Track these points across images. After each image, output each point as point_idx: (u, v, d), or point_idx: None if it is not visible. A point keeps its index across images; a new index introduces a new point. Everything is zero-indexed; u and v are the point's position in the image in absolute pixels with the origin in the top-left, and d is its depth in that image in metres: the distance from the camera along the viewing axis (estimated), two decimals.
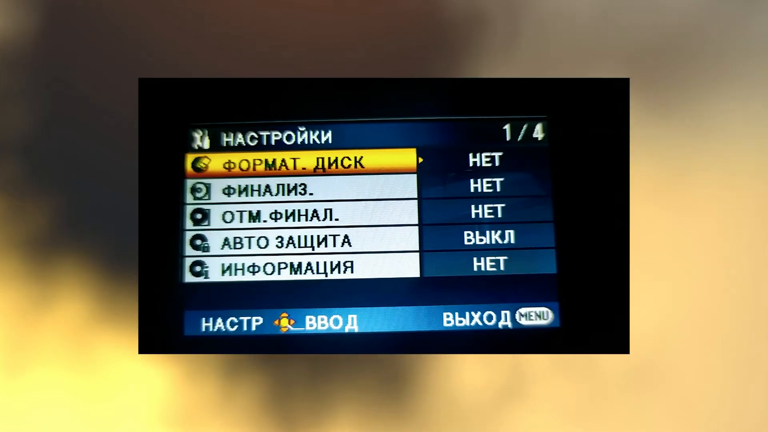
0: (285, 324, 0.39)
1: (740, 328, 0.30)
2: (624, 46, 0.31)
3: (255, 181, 0.40)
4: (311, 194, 0.40)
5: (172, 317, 0.38)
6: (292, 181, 0.40)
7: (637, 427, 0.30)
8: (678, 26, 0.31)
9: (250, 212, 0.40)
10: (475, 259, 0.39)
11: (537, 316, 0.39)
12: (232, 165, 0.40)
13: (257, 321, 0.39)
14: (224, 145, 0.41)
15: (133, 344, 0.31)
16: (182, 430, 0.30)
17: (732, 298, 0.30)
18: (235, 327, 0.39)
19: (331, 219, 0.40)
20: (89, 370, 0.30)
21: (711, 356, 0.30)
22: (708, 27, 0.31)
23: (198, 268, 0.39)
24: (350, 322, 0.39)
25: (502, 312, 0.39)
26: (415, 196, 0.40)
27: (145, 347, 0.35)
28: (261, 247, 0.40)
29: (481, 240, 0.40)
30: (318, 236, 0.40)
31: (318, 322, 0.39)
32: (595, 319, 0.38)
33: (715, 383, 0.30)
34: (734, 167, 0.30)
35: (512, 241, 0.40)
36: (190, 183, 0.40)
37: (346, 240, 0.40)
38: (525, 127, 0.41)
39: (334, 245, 0.39)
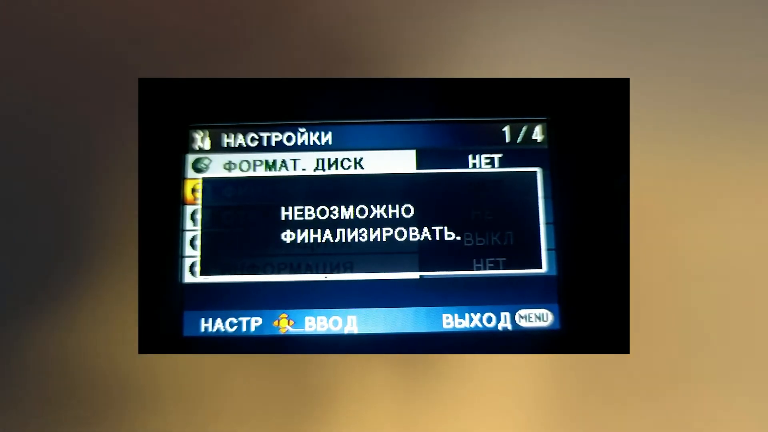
0: (284, 325, 0.39)
1: (741, 328, 0.30)
2: (624, 46, 0.31)
3: (255, 182, 0.40)
4: (311, 195, 0.40)
5: (171, 317, 0.38)
6: (292, 181, 0.40)
7: (637, 427, 0.30)
8: (678, 25, 0.31)
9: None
10: (474, 260, 0.39)
11: (537, 318, 0.39)
12: (232, 166, 0.40)
13: (256, 322, 0.39)
14: (225, 146, 0.41)
15: (133, 344, 0.30)
16: (181, 430, 0.30)
17: (732, 297, 0.30)
18: (234, 328, 0.39)
19: (330, 219, 0.40)
20: (89, 370, 0.30)
21: (711, 356, 0.30)
22: (708, 26, 0.31)
23: (198, 268, 0.39)
24: (349, 323, 0.39)
25: (502, 314, 0.39)
26: (415, 197, 0.40)
27: (145, 347, 0.35)
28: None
29: (480, 241, 0.40)
30: (317, 237, 0.40)
31: (317, 323, 0.39)
32: (595, 321, 0.38)
33: (715, 383, 0.30)
34: (734, 167, 0.30)
35: (512, 243, 0.40)
36: (190, 184, 0.40)
37: (345, 241, 0.40)
38: (524, 128, 0.41)
39: (334, 246, 0.40)
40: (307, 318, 0.39)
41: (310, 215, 0.40)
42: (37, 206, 0.30)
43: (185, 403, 0.30)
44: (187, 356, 0.31)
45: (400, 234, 0.40)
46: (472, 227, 0.40)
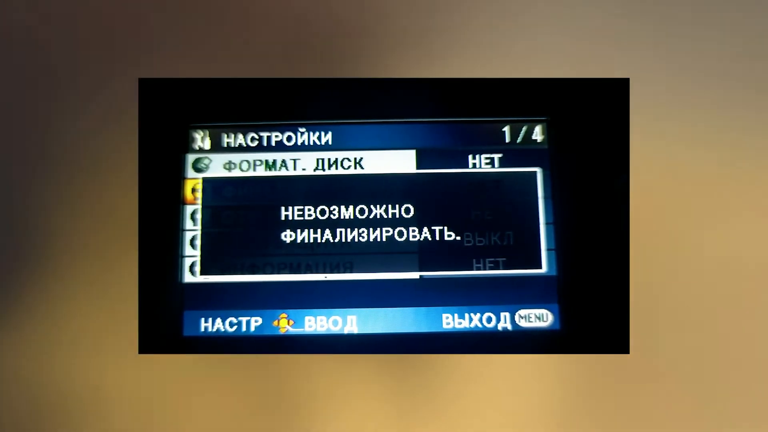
0: (284, 325, 0.39)
1: (740, 328, 0.30)
2: (624, 46, 0.31)
3: (255, 182, 0.40)
4: (311, 195, 0.40)
5: (171, 317, 0.38)
6: (292, 181, 0.40)
7: (637, 427, 0.30)
8: (678, 25, 0.31)
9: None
10: (474, 260, 0.39)
11: (537, 318, 0.39)
12: (232, 165, 0.40)
13: (256, 322, 0.39)
14: (225, 146, 0.41)
15: (133, 344, 0.30)
16: (181, 429, 0.30)
17: (732, 297, 0.30)
18: (234, 327, 0.39)
19: (330, 219, 0.40)
20: (89, 370, 0.30)
21: (711, 356, 0.30)
22: (709, 26, 0.31)
23: (198, 268, 0.39)
24: (349, 323, 0.39)
25: (502, 314, 0.39)
26: (415, 197, 0.40)
27: (145, 347, 0.35)
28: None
29: (480, 241, 0.40)
30: (317, 237, 0.40)
31: (317, 323, 0.39)
32: (595, 321, 0.38)
33: (714, 383, 0.30)
34: (734, 167, 0.30)
35: (512, 243, 0.40)
36: (190, 184, 0.40)
37: (345, 241, 0.40)
38: (524, 128, 0.41)
39: (334, 246, 0.39)
40: (307, 318, 0.39)
41: (310, 215, 0.40)
42: (37, 206, 0.30)
43: (185, 403, 0.30)
44: (187, 356, 0.31)
45: (400, 234, 0.40)
46: (472, 227, 0.40)
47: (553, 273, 0.39)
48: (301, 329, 0.39)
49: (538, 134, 0.41)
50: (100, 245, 0.31)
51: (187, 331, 0.38)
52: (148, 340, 0.36)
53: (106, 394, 0.30)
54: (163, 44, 0.31)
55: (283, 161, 0.41)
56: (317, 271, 0.39)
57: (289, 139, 0.41)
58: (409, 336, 0.38)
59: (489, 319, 0.39)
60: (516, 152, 0.41)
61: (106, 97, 0.31)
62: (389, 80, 0.37)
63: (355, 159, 0.41)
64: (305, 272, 0.39)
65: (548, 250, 0.39)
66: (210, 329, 0.39)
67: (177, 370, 0.31)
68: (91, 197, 0.31)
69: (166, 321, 0.38)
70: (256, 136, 0.41)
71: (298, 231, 0.40)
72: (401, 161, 0.41)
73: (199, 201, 0.40)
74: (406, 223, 0.40)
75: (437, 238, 0.40)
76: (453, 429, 0.30)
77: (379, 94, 0.40)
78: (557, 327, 0.39)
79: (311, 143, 0.41)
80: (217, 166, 0.40)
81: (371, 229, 0.40)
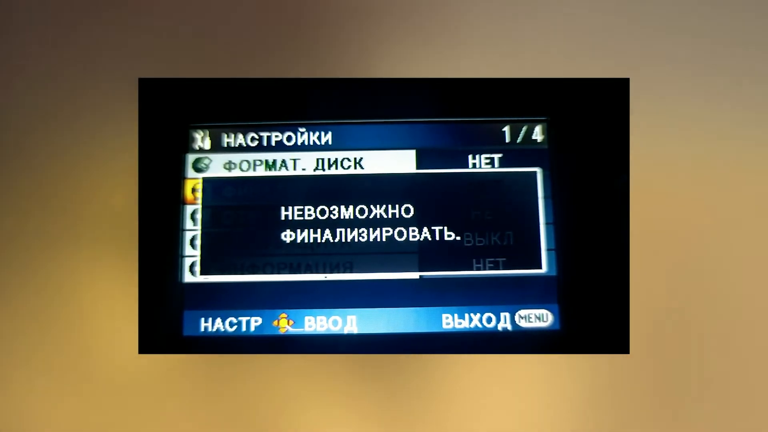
0: (284, 325, 0.39)
1: (741, 328, 0.30)
2: (624, 46, 0.31)
3: (255, 182, 0.40)
4: (311, 195, 0.40)
5: (171, 317, 0.38)
6: (292, 181, 0.40)
7: (636, 427, 0.30)
8: (678, 25, 0.31)
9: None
10: (474, 260, 0.39)
11: (537, 318, 0.39)
12: (232, 165, 0.40)
13: (256, 322, 0.39)
14: (225, 145, 0.41)
15: (133, 344, 0.30)
16: (181, 429, 0.30)
17: (732, 297, 0.30)
18: (234, 327, 0.39)
19: (330, 219, 0.40)
20: (89, 370, 0.30)
21: (711, 356, 0.30)
22: (709, 26, 0.31)
23: (198, 268, 0.39)
24: (349, 323, 0.39)
25: (502, 314, 0.39)
26: (415, 197, 0.40)
27: (145, 347, 0.35)
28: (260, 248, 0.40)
29: (480, 241, 0.40)
30: (317, 237, 0.40)
31: (317, 324, 0.39)
32: (595, 321, 0.38)
33: (714, 383, 0.30)
34: (733, 167, 0.30)
35: (512, 243, 0.40)
36: (190, 184, 0.40)
37: (345, 241, 0.40)
38: (524, 128, 0.41)
39: (334, 246, 0.39)
40: (307, 318, 0.39)
41: (310, 215, 0.40)
42: (37, 206, 0.30)
43: (185, 403, 0.30)
44: (187, 356, 0.31)
45: (400, 234, 0.40)
46: (472, 227, 0.40)
47: (553, 273, 0.39)
48: (301, 329, 0.39)
49: (538, 134, 0.41)
50: (100, 245, 0.31)
51: (187, 331, 0.38)
52: (148, 340, 0.36)
53: (107, 395, 0.30)
54: (163, 44, 0.31)
55: (283, 161, 0.41)
56: (317, 271, 0.39)
57: (289, 139, 0.41)
58: (409, 336, 0.38)
59: (489, 320, 0.39)
60: (516, 152, 0.41)
61: (106, 97, 0.31)
62: (389, 80, 0.37)
63: (355, 159, 0.41)
64: (305, 272, 0.39)
65: (548, 250, 0.39)
66: (210, 329, 0.39)
67: (177, 370, 0.31)
68: (91, 197, 0.31)
69: (166, 321, 0.38)
70: (256, 136, 0.41)
71: (298, 231, 0.40)
72: (401, 161, 0.41)
73: (199, 201, 0.40)
74: (406, 223, 0.40)
75: (437, 238, 0.40)
76: (452, 429, 0.30)
77: (379, 94, 0.40)
78: (557, 327, 0.39)
79: (311, 143, 0.41)
80: (217, 166, 0.40)
81: (371, 229, 0.40)
